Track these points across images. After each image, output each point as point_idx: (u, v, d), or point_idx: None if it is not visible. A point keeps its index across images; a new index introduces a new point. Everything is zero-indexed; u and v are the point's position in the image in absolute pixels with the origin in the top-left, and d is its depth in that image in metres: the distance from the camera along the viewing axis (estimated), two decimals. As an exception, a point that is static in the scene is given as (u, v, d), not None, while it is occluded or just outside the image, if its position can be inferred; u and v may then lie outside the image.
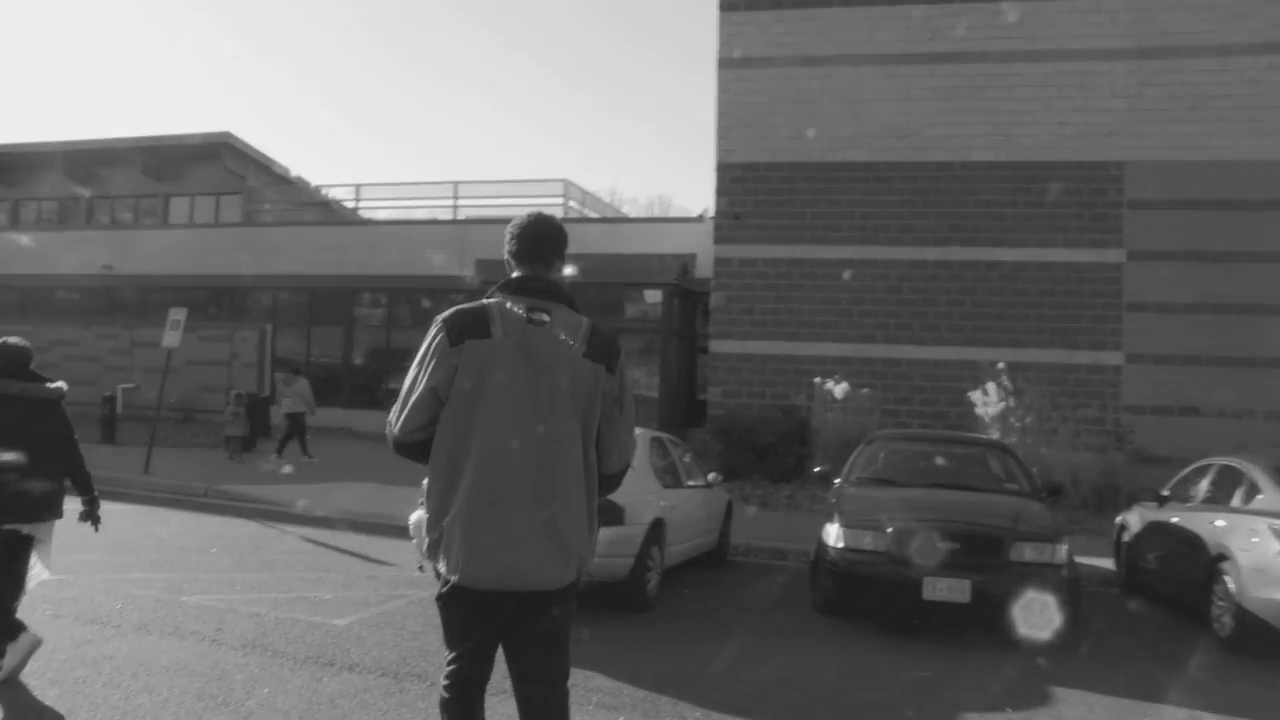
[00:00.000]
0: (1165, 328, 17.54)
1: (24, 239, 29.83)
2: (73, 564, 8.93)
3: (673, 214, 46.46)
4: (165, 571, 8.88)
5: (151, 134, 31.13)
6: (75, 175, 32.33)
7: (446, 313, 3.63)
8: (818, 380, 17.37)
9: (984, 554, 8.02)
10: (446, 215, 26.80)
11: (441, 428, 3.54)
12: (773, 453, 17.18)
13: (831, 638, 7.89)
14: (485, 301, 3.65)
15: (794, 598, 9.25)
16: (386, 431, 3.68)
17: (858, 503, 8.93)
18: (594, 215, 28.57)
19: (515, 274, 3.73)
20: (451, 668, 3.65)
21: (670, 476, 9.44)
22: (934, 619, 8.11)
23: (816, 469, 10.68)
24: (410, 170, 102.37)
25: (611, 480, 3.81)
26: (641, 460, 8.87)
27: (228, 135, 31.38)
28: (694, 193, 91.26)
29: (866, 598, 8.30)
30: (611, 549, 7.84)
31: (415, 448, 3.61)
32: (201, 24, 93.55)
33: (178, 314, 16.14)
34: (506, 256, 3.78)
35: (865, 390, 17.14)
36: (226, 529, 11.60)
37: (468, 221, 24.43)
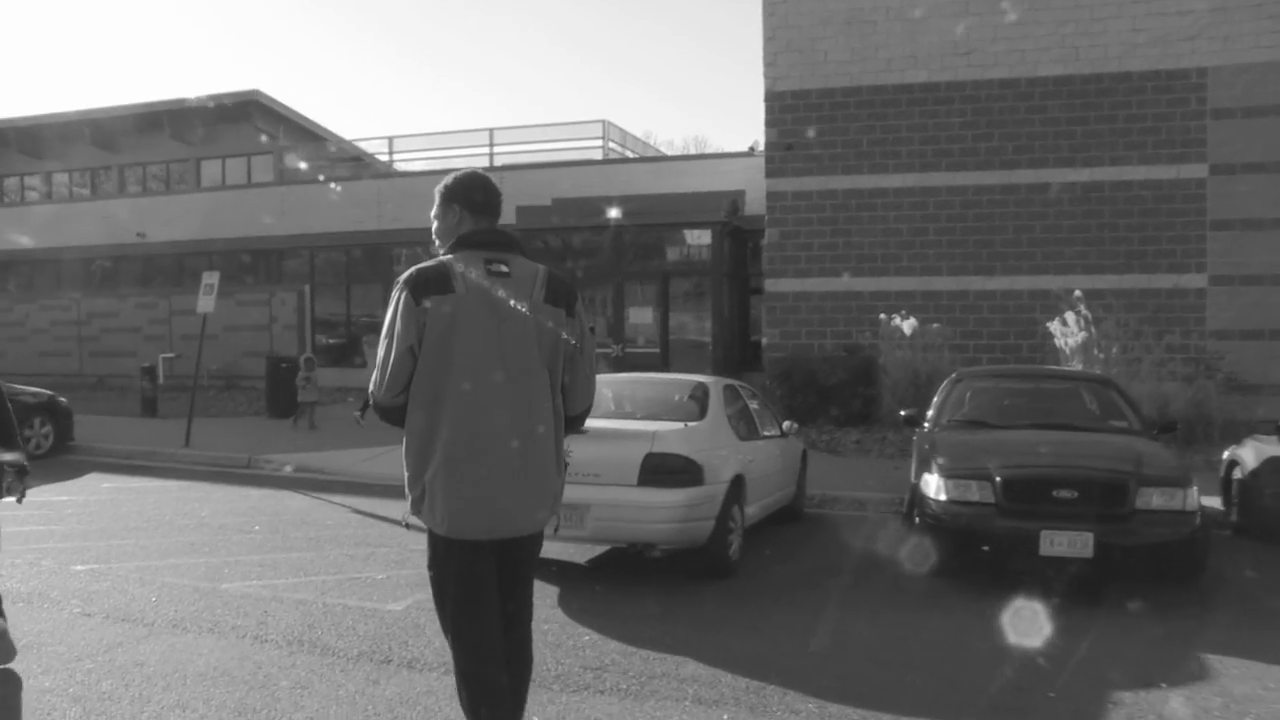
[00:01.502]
0: (1253, 246, 16.38)
1: (54, 210, 29.41)
2: (106, 550, 8.36)
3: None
4: (205, 555, 8.22)
5: (179, 97, 30.47)
6: (104, 144, 31.79)
7: (407, 273, 3.70)
8: (883, 316, 16.46)
9: (1107, 502, 7.15)
10: (483, 163, 25.95)
11: (415, 385, 3.62)
12: (837, 395, 16.31)
13: (935, 601, 7.06)
14: (443, 258, 3.73)
15: (883, 555, 8.43)
16: (370, 398, 3.77)
17: (956, 449, 8.06)
18: (634, 155, 27.60)
19: (467, 228, 3.81)
20: (468, 637, 3.69)
21: (745, 427, 8.62)
22: (1051, 576, 7.28)
23: (904, 413, 9.80)
24: (442, 121, 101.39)
25: (575, 421, 3.98)
26: (716, 411, 8.08)
27: (256, 93, 30.64)
28: (731, 132, 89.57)
29: (974, 555, 7.47)
30: (690, 512, 7.07)
31: (401, 410, 3.67)
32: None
33: (210, 277, 15.46)
34: (442, 213, 3.89)
35: (935, 325, 16.20)
36: (270, 502, 10.97)
37: (505, 168, 23.56)
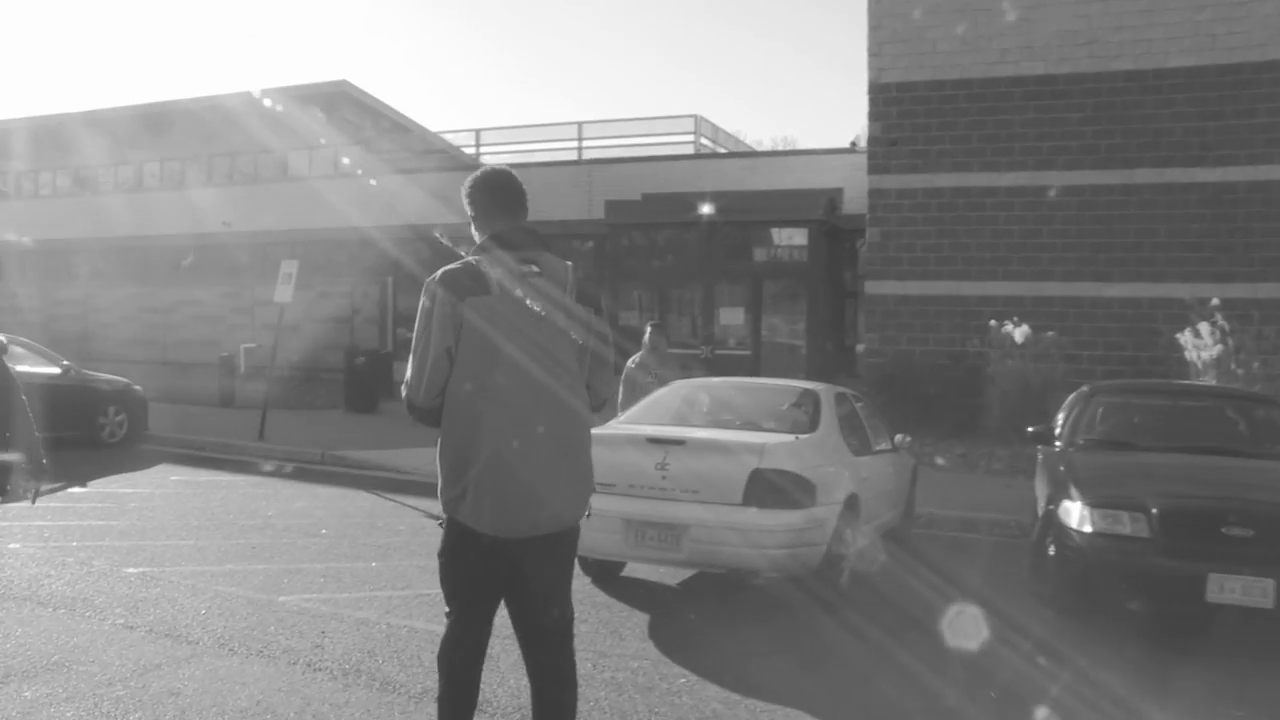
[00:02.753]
0: None
1: (143, 199, 29.49)
2: (163, 551, 7.80)
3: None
4: (265, 561, 7.60)
5: (269, 86, 30.39)
6: (194, 133, 31.84)
7: (439, 274, 3.66)
8: (993, 323, 15.38)
9: (1291, 544, 6.15)
10: (570, 157, 25.34)
11: (453, 386, 3.59)
12: (940, 405, 15.29)
13: (1085, 646, 6.11)
14: (474, 259, 3.72)
15: (1012, 589, 7.51)
16: (406, 401, 3.71)
17: (1101, 474, 7.10)
18: (726, 151, 26.74)
19: (494, 229, 3.80)
20: (457, 626, 3.71)
21: (858, 440, 7.74)
22: (1215, 624, 6.29)
23: (1031, 428, 8.84)
24: (528, 115, 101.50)
25: (599, 406, 3.94)
26: (828, 422, 7.23)
27: (345, 84, 30.40)
28: (819, 133, 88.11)
29: (1123, 596, 6.52)
30: (801, 536, 6.25)
31: (438, 412, 3.64)
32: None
33: (289, 266, 15.01)
34: (472, 214, 3.89)
35: (1050, 333, 15.09)
36: (340, 503, 10.37)
37: (593, 162, 22.90)
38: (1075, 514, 6.63)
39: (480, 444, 3.54)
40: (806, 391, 7.71)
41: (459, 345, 3.56)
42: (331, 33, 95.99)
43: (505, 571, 3.63)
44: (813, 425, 7.08)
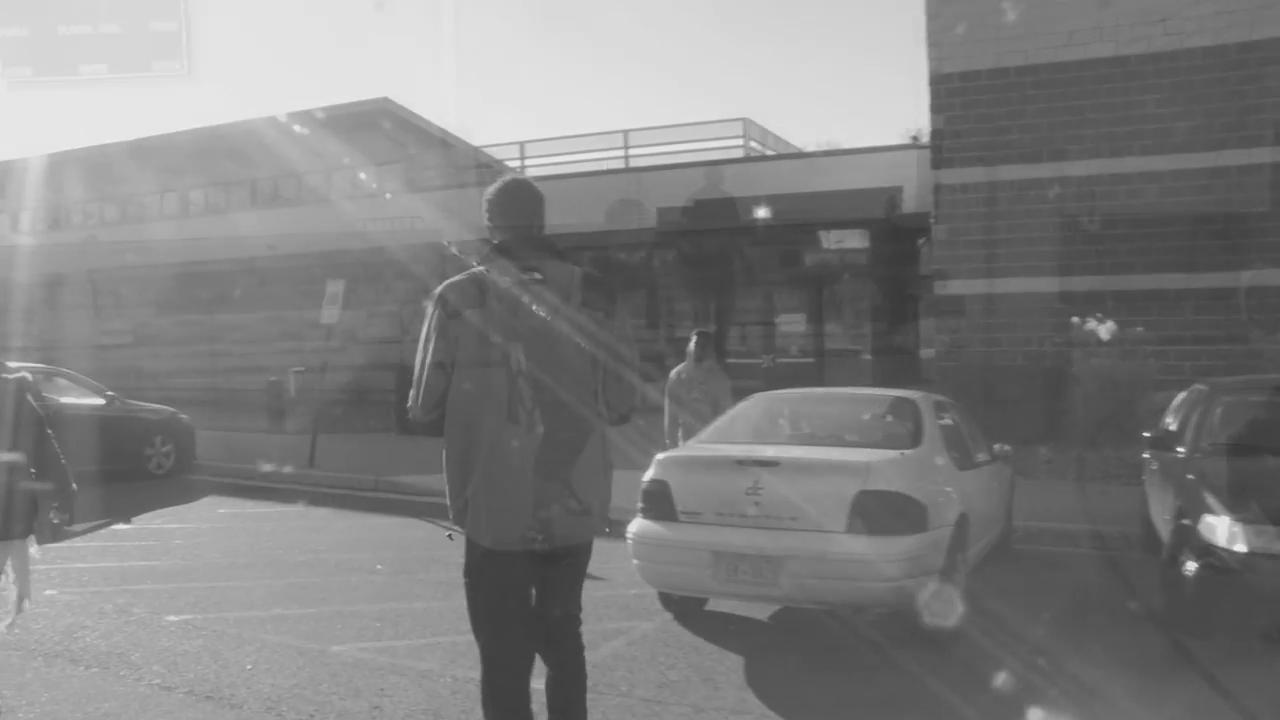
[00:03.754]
0: None
1: (189, 224, 29.37)
2: (207, 595, 7.21)
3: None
4: (316, 603, 7.00)
5: (310, 106, 30.09)
6: (234, 157, 31.66)
7: (440, 288, 3.68)
8: (1075, 319, 14.54)
9: None
10: (618, 165, 24.76)
11: (450, 399, 3.61)
12: (1021, 408, 14.46)
13: (1242, 686, 5.32)
14: (475, 269, 3.71)
15: (1147, 612, 6.69)
16: (409, 413, 3.75)
17: (1242, 484, 6.31)
18: (775, 153, 26.03)
19: (502, 237, 3.79)
20: (492, 647, 3.71)
21: (960, 453, 6.99)
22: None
23: (1147, 433, 8.07)
24: (573, 125, 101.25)
25: (619, 422, 3.84)
26: (931, 435, 6.49)
27: (386, 102, 30.06)
28: (866, 131, 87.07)
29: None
30: (914, 566, 5.53)
31: (438, 424, 3.67)
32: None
33: (335, 287, 14.54)
34: (489, 223, 3.87)
35: (1139, 328, 14.22)
36: (396, 533, 9.78)
37: (641, 170, 22.30)
38: (1222, 530, 5.84)
39: (475, 459, 3.57)
40: (903, 400, 6.97)
41: (457, 357, 3.57)
42: (372, 51, 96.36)
43: (525, 591, 3.66)
44: (915, 439, 6.34)
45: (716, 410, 8.17)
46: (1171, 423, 8.29)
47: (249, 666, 5.54)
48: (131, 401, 14.29)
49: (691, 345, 9.31)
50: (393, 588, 7.55)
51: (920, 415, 6.60)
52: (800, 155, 25.96)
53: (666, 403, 9.06)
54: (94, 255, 29.52)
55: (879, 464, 5.73)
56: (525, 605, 3.70)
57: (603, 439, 3.73)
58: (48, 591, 7.20)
